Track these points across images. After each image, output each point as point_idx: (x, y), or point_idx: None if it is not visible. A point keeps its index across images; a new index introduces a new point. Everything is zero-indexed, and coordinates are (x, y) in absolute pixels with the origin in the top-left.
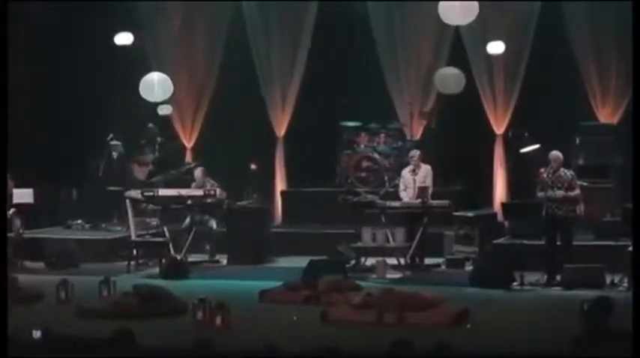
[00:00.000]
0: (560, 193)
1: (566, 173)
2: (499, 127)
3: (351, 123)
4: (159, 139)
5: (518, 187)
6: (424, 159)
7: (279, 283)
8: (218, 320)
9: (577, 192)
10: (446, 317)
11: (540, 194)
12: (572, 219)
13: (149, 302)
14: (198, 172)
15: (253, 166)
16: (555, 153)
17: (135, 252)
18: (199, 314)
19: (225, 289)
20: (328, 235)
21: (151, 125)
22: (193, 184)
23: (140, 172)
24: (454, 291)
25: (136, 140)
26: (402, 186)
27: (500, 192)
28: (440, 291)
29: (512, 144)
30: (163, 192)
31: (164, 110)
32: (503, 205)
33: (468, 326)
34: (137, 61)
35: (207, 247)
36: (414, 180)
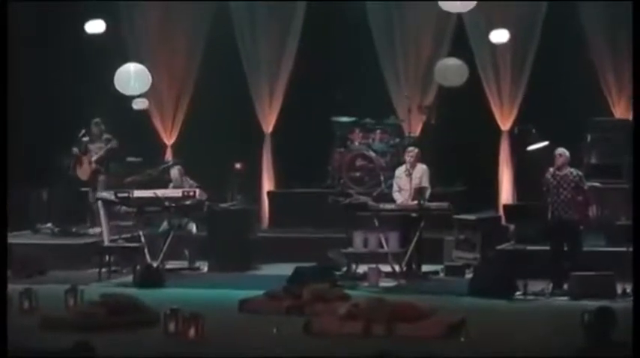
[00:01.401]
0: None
1: (573, 172)
2: (505, 123)
3: (344, 119)
4: (105, 136)
5: (526, 188)
6: (422, 158)
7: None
8: (191, 332)
9: (585, 193)
10: (440, 329)
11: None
12: (580, 223)
13: (117, 312)
14: (175, 171)
15: (238, 165)
16: (561, 151)
17: (107, 258)
18: (171, 326)
19: (205, 298)
20: (318, 240)
21: (97, 120)
22: (171, 185)
23: (82, 173)
24: (452, 301)
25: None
26: (396, 187)
27: (505, 193)
28: (436, 301)
29: (518, 141)
30: (138, 193)
31: (139, 104)
32: (506, 208)
33: (462, 338)
34: (113, 53)
35: (187, 253)
36: (410, 181)
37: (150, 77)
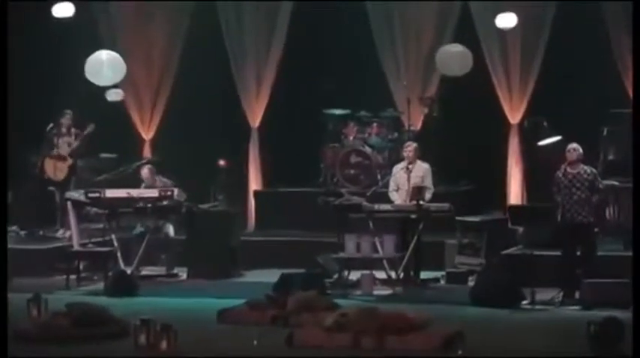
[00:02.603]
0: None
1: (587, 170)
2: (514, 115)
3: (337, 111)
4: (74, 130)
5: (537, 187)
6: (423, 156)
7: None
8: (163, 345)
9: (600, 192)
10: (434, 342)
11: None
12: (594, 225)
13: (83, 324)
14: (145, 171)
15: (222, 162)
16: (573, 146)
17: (76, 264)
18: (142, 339)
19: (182, 308)
20: (309, 244)
21: (68, 111)
22: (142, 185)
23: (56, 171)
24: (452, 311)
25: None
26: (392, 186)
27: (514, 193)
28: (435, 311)
29: (529, 135)
30: (111, 193)
31: (114, 95)
32: (512, 209)
33: (460, 352)
34: (85, 41)
35: (163, 258)
36: (408, 179)
37: (124, 65)
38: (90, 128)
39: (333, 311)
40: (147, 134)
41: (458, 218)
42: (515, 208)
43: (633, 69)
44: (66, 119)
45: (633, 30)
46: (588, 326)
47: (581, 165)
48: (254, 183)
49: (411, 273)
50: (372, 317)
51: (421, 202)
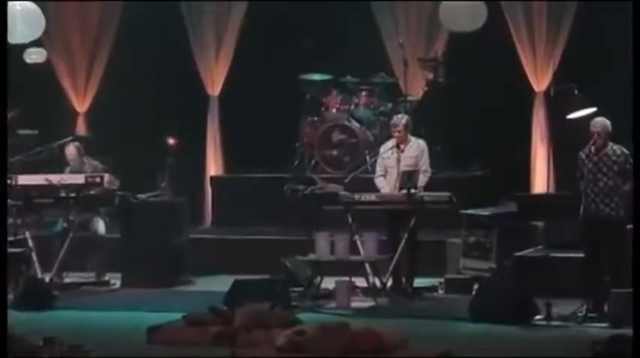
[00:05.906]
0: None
1: (616, 151)
2: (539, 82)
3: (316, 77)
4: None
5: (568, 171)
6: (421, 131)
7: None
8: None
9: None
10: None
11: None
12: (626, 221)
13: None
14: (71, 149)
15: (172, 141)
16: (599, 124)
17: None
18: None
19: (109, 324)
20: (278, 243)
21: None
22: (67, 169)
23: None
24: (450, 327)
25: None
26: (379, 170)
27: (540, 178)
28: (429, 327)
29: (557, 106)
30: (25, 179)
31: (35, 56)
32: (520, 199)
33: None
34: None
35: (92, 262)
36: (399, 160)
37: (43, 19)
38: (14, 112)
39: (289, 329)
40: (81, 106)
41: (463, 211)
42: (524, 198)
43: (633, 69)
44: None
45: (633, 30)
46: (593, 346)
47: (610, 145)
48: (212, 167)
49: (403, 280)
50: (335, 336)
51: (413, 190)
